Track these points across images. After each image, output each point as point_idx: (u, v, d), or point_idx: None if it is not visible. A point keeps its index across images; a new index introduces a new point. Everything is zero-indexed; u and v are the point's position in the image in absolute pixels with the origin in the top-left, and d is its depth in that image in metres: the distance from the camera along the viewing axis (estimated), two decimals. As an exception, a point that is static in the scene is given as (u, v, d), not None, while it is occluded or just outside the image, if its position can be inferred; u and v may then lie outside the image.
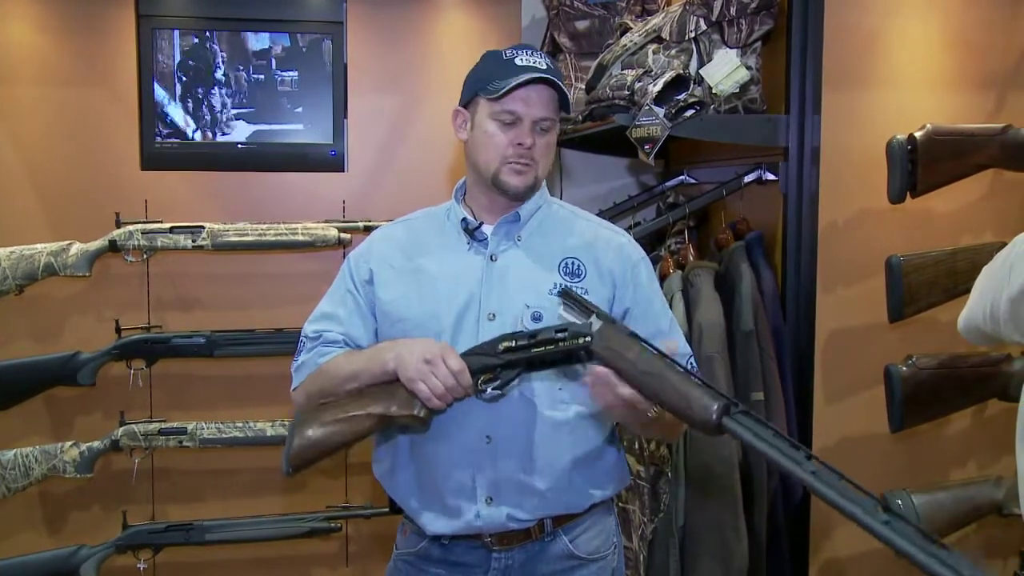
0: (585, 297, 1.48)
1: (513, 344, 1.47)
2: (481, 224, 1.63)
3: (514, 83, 1.54)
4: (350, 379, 1.58)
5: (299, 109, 2.99)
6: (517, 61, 1.57)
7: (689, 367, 1.61)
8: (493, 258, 1.62)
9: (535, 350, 1.45)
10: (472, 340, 1.55)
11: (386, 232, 1.73)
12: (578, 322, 1.43)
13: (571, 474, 1.59)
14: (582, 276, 1.61)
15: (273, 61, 2.97)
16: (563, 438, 1.58)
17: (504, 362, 1.47)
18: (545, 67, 1.57)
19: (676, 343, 1.60)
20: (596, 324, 1.40)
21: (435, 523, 1.59)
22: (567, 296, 1.47)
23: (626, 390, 1.33)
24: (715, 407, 1.21)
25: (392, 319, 1.63)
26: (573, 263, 1.62)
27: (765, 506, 2.32)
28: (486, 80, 1.58)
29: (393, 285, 1.64)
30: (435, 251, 1.65)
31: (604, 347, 1.37)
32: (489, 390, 1.49)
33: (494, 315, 1.57)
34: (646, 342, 1.35)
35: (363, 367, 1.56)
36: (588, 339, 1.39)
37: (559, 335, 1.43)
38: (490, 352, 1.48)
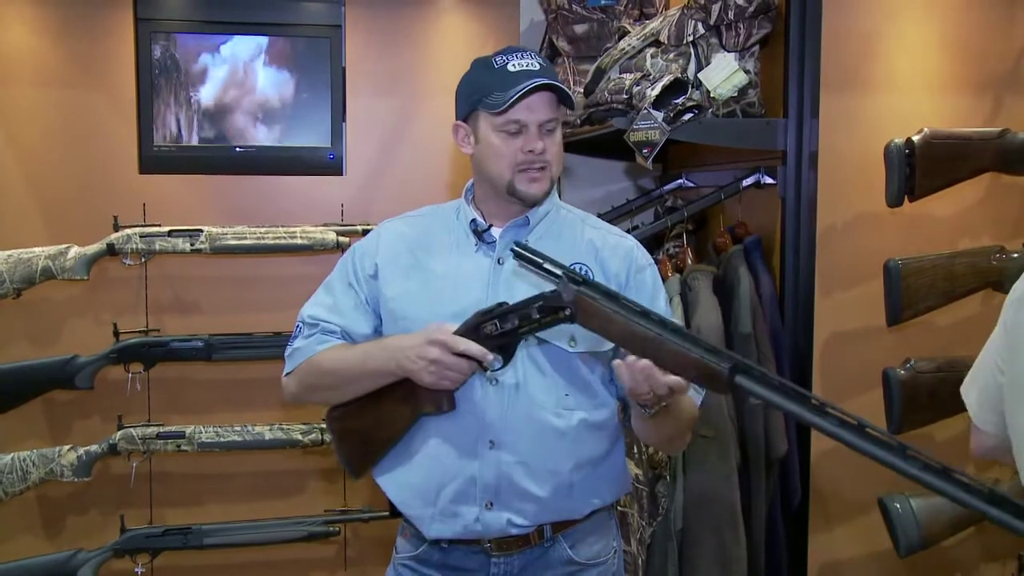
0: (538, 252, 1.43)
1: (496, 329, 1.45)
2: (490, 227, 1.63)
3: (515, 96, 1.52)
4: (345, 381, 1.61)
5: (297, 112, 2.99)
6: (510, 68, 1.55)
7: None
8: (500, 261, 1.61)
9: (521, 331, 1.45)
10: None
11: (393, 227, 1.71)
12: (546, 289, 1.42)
13: (572, 481, 1.58)
14: None
15: (272, 64, 2.97)
16: (566, 445, 1.58)
17: (492, 347, 1.47)
18: (539, 67, 1.55)
19: None
20: (569, 292, 1.37)
21: (434, 527, 1.59)
22: (522, 257, 1.42)
23: (670, 378, 1.32)
24: (723, 373, 1.22)
25: (395, 316, 1.62)
26: (581, 269, 1.60)
27: (764, 510, 2.32)
28: (483, 92, 1.56)
29: (398, 282, 1.63)
30: (442, 250, 1.64)
31: (585, 321, 1.37)
32: (488, 373, 1.51)
33: None
34: (625, 301, 1.34)
35: (359, 368, 1.58)
36: (567, 312, 1.38)
37: (537, 314, 1.42)
38: (474, 337, 1.47)
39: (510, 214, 1.63)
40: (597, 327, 1.36)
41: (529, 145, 1.55)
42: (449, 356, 1.46)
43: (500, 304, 1.47)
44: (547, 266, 1.40)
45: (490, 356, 1.46)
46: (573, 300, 1.37)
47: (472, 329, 1.48)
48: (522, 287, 1.57)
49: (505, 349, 1.49)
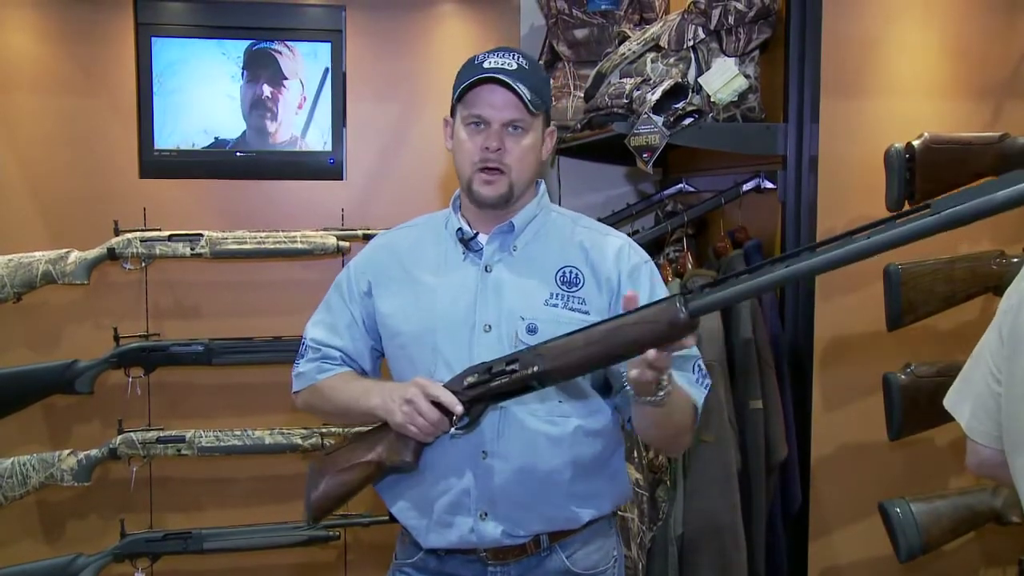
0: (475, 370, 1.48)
1: (475, 379, 1.47)
2: (477, 234, 1.62)
3: (465, 84, 1.53)
4: (343, 412, 1.68)
5: (298, 117, 2.99)
6: (485, 64, 1.55)
7: (696, 368, 1.59)
8: (488, 269, 1.60)
9: (492, 384, 1.46)
10: (466, 353, 1.54)
11: (385, 240, 1.72)
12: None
13: (568, 490, 1.57)
14: (579, 285, 1.59)
15: (272, 69, 2.97)
16: (561, 454, 1.56)
17: (469, 399, 1.48)
18: (515, 68, 1.53)
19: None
20: (536, 358, 1.41)
21: (430, 537, 1.59)
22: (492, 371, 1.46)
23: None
24: (678, 308, 1.26)
25: (391, 332, 1.63)
26: (570, 272, 1.59)
27: (764, 515, 2.31)
28: (457, 86, 1.58)
29: (391, 298, 1.64)
30: (432, 262, 1.63)
31: (552, 365, 1.40)
32: (453, 430, 1.51)
33: (489, 327, 1.56)
34: (582, 328, 1.38)
35: (354, 404, 1.62)
36: (535, 368, 1.41)
37: (510, 367, 1.44)
38: (457, 389, 1.49)
39: (490, 218, 1.61)
40: (567, 362, 1.39)
41: (487, 142, 1.54)
42: (422, 400, 1.47)
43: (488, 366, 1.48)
44: (496, 383, 1.44)
45: (459, 408, 1.47)
46: (541, 355, 1.40)
47: (457, 379, 1.50)
48: (511, 297, 1.57)
49: (474, 410, 1.49)
